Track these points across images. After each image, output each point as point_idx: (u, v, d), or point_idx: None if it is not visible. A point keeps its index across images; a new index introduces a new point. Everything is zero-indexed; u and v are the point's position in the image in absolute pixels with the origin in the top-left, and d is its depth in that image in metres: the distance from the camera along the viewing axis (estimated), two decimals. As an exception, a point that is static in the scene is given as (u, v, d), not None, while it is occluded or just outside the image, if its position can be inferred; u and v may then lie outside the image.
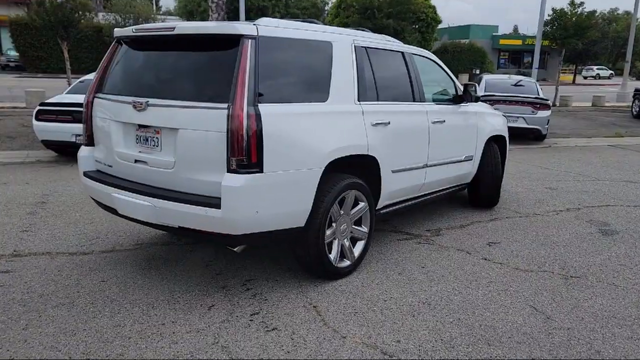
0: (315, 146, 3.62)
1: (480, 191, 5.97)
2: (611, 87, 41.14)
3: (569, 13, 18.80)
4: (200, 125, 3.33)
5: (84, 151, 4.20)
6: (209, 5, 14.44)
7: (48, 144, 8.76)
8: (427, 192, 5.13)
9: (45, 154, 9.20)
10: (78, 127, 8.33)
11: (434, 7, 31.98)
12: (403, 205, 4.80)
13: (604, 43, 43.51)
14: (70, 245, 4.70)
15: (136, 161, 3.73)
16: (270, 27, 3.53)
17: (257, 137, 3.25)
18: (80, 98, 9.05)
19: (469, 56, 42.27)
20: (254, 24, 3.44)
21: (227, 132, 3.22)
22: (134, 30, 3.78)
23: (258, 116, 3.24)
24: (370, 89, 4.21)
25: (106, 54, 4.12)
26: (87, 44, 33.26)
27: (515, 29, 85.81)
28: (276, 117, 3.37)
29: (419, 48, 5.11)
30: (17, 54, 34.19)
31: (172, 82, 3.60)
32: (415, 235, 5.15)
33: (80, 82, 9.95)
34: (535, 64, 18.25)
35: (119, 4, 34.83)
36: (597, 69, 57.35)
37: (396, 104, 4.52)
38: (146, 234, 5.01)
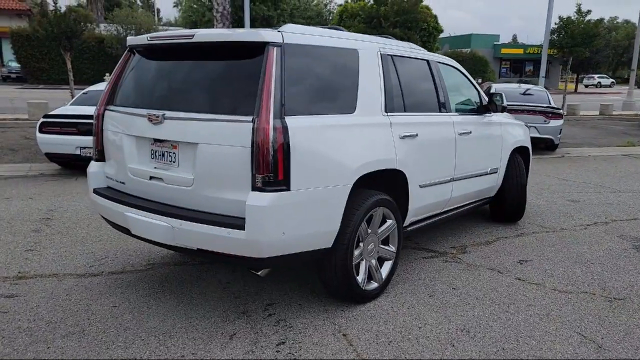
0: (344, 161, 3.38)
1: (505, 205, 5.72)
2: (613, 95, 41.04)
3: (576, 21, 18.65)
4: (222, 139, 3.09)
5: (93, 167, 3.96)
6: (214, 15, 14.30)
7: (52, 157, 8.52)
8: (452, 207, 4.88)
9: (49, 167, 8.96)
10: (82, 140, 8.13)
11: (435, 17, 31.96)
12: (429, 221, 4.55)
13: (606, 52, 43.44)
14: (78, 266, 4.44)
15: (151, 178, 3.49)
16: (296, 34, 3.30)
17: (284, 152, 3.00)
18: (84, 110, 8.89)
19: (471, 65, 42.16)
20: (279, 31, 3.21)
21: (252, 147, 2.98)
22: (148, 39, 3.55)
23: (285, 129, 3.01)
24: (397, 99, 3.98)
25: (118, 64, 3.89)
26: (88, 55, 33.17)
27: (514, 37, 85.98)
28: (303, 130, 3.13)
29: (443, 56, 4.89)
30: (19, 65, 34.08)
31: (191, 93, 3.36)
32: (440, 253, 4.89)
33: (84, 93, 9.75)
34: (542, 72, 18.09)
35: (120, 15, 34.83)
36: (598, 77, 57.36)
37: (424, 114, 4.29)
38: (157, 252, 4.75)
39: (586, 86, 55.07)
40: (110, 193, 3.78)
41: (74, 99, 9.82)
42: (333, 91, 3.50)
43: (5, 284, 4.04)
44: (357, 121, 3.55)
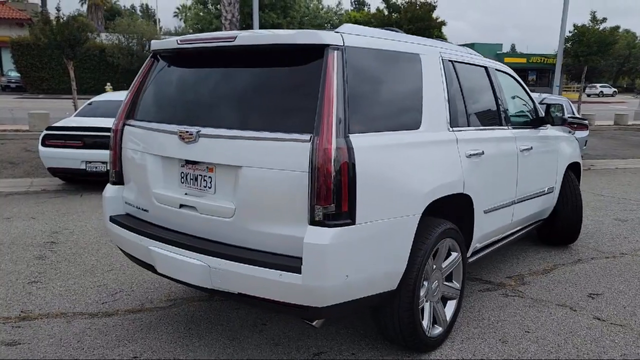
0: (413, 187, 2.85)
1: (558, 227, 5.17)
2: (617, 104, 40.69)
3: (591, 29, 18.22)
4: (272, 162, 2.56)
5: (110, 191, 3.42)
6: (222, 23, 13.82)
7: (55, 172, 7.98)
8: (510, 233, 4.33)
9: (51, 182, 8.42)
10: (88, 154, 7.61)
11: (442, 24, 31.65)
12: (488, 250, 4.00)
13: (609, 61, 43.18)
14: (90, 303, 3.88)
15: (181, 206, 2.94)
16: (357, 35, 2.78)
17: (349, 178, 2.47)
18: (90, 122, 8.36)
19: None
20: (337, 32, 2.68)
21: (310, 171, 2.44)
22: (178, 42, 3.02)
23: (350, 150, 2.47)
24: (460, 111, 3.45)
25: (140, 72, 3.36)
26: (89, 64, 32.74)
27: (513, 47, 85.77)
28: (369, 151, 2.59)
29: (498, 62, 4.37)
30: (18, 74, 33.63)
31: (232, 106, 2.83)
32: (496, 284, 4.34)
33: (88, 104, 9.24)
34: (557, 81, 17.63)
35: (122, 24, 34.43)
36: (601, 86, 57.08)
37: (487, 129, 3.76)
38: (178, 285, 4.18)
39: (588, 95, 54.75)
40: (131, 222, 3.23)
41: (78, 110, 9.30)
42: (397, 103, 2.97)
43: (7, 326, 3.48)
44: (424, 138, 3.01)
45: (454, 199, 3.21)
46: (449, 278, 3.36)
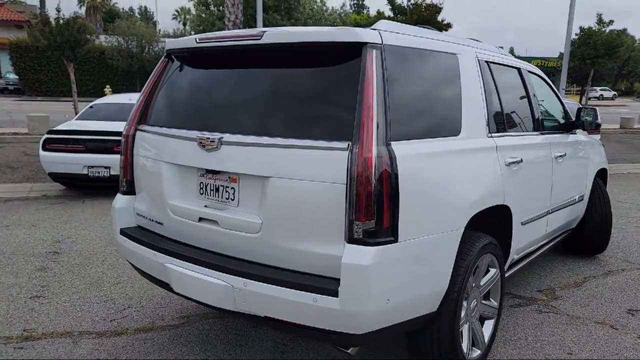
0: (456, 199, 2.61)
1: (587, 237, 4.93)
2: (618, 107, 40.54)
3: (598, 32, 18.02)
4: (305, 172, 2.31)
5: (120, 201, 3.16)
6: (225, 25, 13.60)
7: (56, 177, 7.72)
8: (542, 244, 4.09)
9: (52, 187, 8.16)
10: (90, 158, 7.37)
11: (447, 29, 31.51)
12: (520, 265, 3.75)
13: (610, 64, 43.10)
14: (96, 320, 3.62)
15: (201, 219, 2.69)
16: (394, 33, 2.53)
17: (392, 190, 2.22)
18: (92, 125, 8.09)
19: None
20: (374, 28, 2.44)
21: (349, 183, 2.20)
22: (197, 41, 2.77)
23: (392, 160, 2.23)
24: (498, 116, 3.21)
25: (153, 74, 3.11)
26: (89, 66, 32.51)
27: (511, 50, 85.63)
28: (412, 160, 2.35)
29: (528, 63, 4.13)
30: (17, 76, 33.35)
31: (258, 111, 2.58)
32: (527, 299, 4.09)
33: (90, 107, 8.99)
34: (562, 84, 17.43)
35: (121, 26, 34.21)
36: (600, 89, 57.00)
37: (524, 135, 3.52)
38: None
39: (588, 99, 54.65)
40: (144, 236, 2.98)
41: (79, 114, 9.05)
42: (437, 108, 2.72)
43: (8, 347, 3.22)
44: (465, 146, 2.77)
45: (494, 210, 2.97)
46: (486, 296, 3.11)
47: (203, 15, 30.02)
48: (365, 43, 2.31)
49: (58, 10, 13.22)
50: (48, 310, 3.77)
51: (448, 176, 2.57)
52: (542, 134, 3.81)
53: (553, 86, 4.44)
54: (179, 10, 73.24)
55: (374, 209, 2.18)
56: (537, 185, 3.60)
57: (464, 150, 2.75)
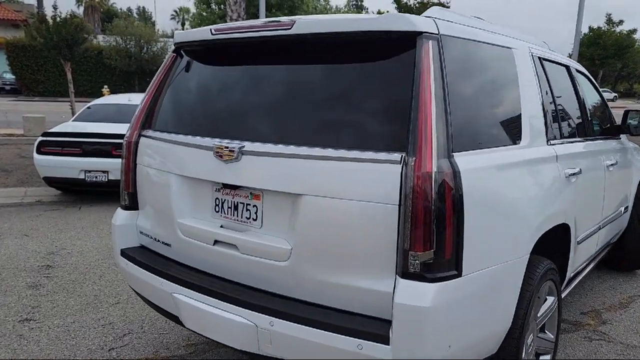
0: (522, 220, 2.21)
1: (629, 250, 4.53)
2: (619, 109, 40.23)
3: (607, 32, 17.65)
4: (346, 190, 1.90)
5: (121, 217, 2.75)
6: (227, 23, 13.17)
7: (52, 182, 7.29)
8: (588, 262, 3.69)
9: (46, 192, 7.74)
10: (88, 162, 6.95)
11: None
12: (569, 289, 3.34)
13: (620, 65, 42.81)
14: (93, 349, 3.21)
15: (216, 243, 2.28)
16: (449, 22, 2.12)
17: (456, 213, 1.81)
18: (89, 127, 7.67)
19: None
20: (428, 16, 2.03)
21: (402, 204, 1.79)
22: (213, 32, 2.35)
23: (456, 175, 1.82)
24: (554, 121, 2.81)
25: (159, 72, 2.70)
26: (86, 66, 32.01)
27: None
28: (477, 175, 1.95)
29: (573, 60, 3.73)
30: (13, 76, 32.86)
31: (287, 116, 2.17)
32: (573, 323, 3.68)
33: (87, 108, 8.57)
34: (571, 86, 16.98)
35: (119, 25, 33.74)
36: (602, 91, 56.79)
37: (579, 142, 3.12)
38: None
39: (591, 100, 54.34)
40: (148, 259, 2.57)
41: (76, 115, 8.62)
42: (497, 111, 2.32)
43: (-9, 385, 2.80)
44: (527, 156, 2.37)
45: (554, 230, 2.56)
46: (542, 328, 2.71)
47: (204, 13, 29.49)
48: (420, 33, 1.90)
49: (55, 7, 12.80)
50: (39, 336, 3.35)
51: (514, 193, 2.18)
52: (594, 140, 3.41)
53: (597, 86, 4.04)
54: (178, 10, 72.91)
55: (434, 236, 1.77)
56: (592, 199, 3.21)
57: (527, 161, 2.34)
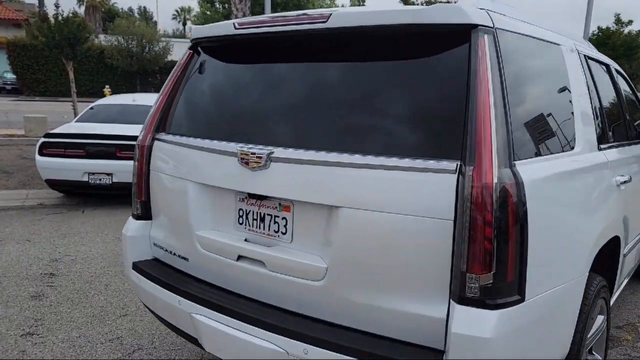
0: (583, 234, 2.01)
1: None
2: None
3: (616, 32, 17.42)
4: (391, 202, 1.69)
5: (133, 228, 2.53)
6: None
7: (54, 184, 7.07)
8: (629, 276, 3.47)
9: (49, 194, 7.53)
10: (91, 164, 6.73)
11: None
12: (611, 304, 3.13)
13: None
14: (101, 367, 2.99)
15: (240, 258, 2.07)
16: (502, 14, 1.90)
17: (520, 229, 1.60)
18: (92, 128, 7.45)
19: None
20: (481, 8, 1.81)
21: (458, 219, 1.58)
22: (237, 26, 2.14)
23: (520, 187, 1.60)
24: (603, 124, 2.60)
25: (174, 70, 2.49)
26: (87, 66, 31.82)
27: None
28: (540, 185, 1.74)
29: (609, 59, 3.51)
30: (14, 76, 32.67)
31: (322, 119, 1.95)
32: (610, 339, 3.45)
33: (90, 108, 8.36)
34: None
35: (121, 25, 33.56)
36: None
37: (625, 146, 2.91)
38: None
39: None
40: (163, 274, 2.35)
41: (79, 115, 8.42)
42: (552, 113, 2.10)
43: (-9, 409, 2.59)
44: (583, 163, 2.16)
45: (608, 243, 2.35)
46: (590, 350, 2.49)
47: (208, 12, 29.18)
48: (475, 26, 1.69)
49: (57, 5, 12.58)
50: (42, 352, 3.14)
51: (575, 205, 1.97)
52: (637, 143, 3.20)
53: (634, 87, 3.83)
54: (179, 10, 72.67)
55: (495, 256, 1.55)
56: (638, 207, 2.99)
57: (585, 169, 2.14)
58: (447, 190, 1.60)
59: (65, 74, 28.42)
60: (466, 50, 1.68)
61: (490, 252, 1.55)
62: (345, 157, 1.77)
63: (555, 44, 2.26)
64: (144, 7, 76.04)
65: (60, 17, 12.54)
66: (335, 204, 1.79)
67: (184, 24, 71.58)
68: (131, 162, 7.27)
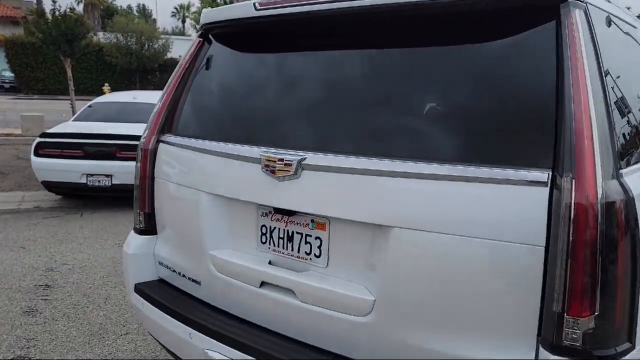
0: None
1: None
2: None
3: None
4: (459, 221, 1.35)
5: (135, 244, 2.19)
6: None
7: (51, 186, 6.73)
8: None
9: (46, 196, 7.19)
10: (90, 165, 6.40)
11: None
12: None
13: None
14: (100, 398, 2.66)
15: (264, 285, 1.73)
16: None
17: (628, 259, 1.25)
18: (91, 127, 7.09)
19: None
20: None
21: (551, 244, 1.23)
22: (258, 6, 1.79)
23: (629, 204, 1.26)
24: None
25: (182, 62, 2.14)
26: (86, 64, 31.42)
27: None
28: None
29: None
30: (12, 74, 32.29)
31: (364, 118, 1.60)
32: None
33: (88, 107, 8.02)
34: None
35: (119, 22, 33.17)
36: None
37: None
38: None
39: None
40: (170, 299, 2.01)
41: (77, 114, 8.07)
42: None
43: None
44: None
45: None
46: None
47: (209, 7, 28.78)
48: (567, 1, 1.34)
49: (54, 1, 12.21)
50: (34, 380, 2.81)
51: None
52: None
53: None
54: (178, 7, 72.16)
55: (603, 292, 1.21)
56: None
57: None
58: (536, 208, 1.25)
59: (63, 72, 28.00)
60: (553, 30, 1.34)
61: (595, 288, 1.21)
62: (397, 166, 1.43)
63: (632, 26, 1.91)
64: (143, 5, 75.32)
65: (57, 13, 12.17)
66: (385, 222, 1.44)
67: (183, 22, 71.14)
68: (132, 163, 6.85)
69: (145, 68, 31.72)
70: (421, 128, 1.49)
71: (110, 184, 6.44)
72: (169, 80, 2.16)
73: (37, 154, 6.52)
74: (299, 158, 1.58)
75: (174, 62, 33.73)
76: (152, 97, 8.57)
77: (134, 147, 6.72)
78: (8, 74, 33.31)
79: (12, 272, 4.38)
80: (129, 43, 31.78)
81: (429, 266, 1.40)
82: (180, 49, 34.25)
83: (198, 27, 2.16)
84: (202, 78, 2.08)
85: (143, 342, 3.24)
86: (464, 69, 1.48)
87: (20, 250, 4.99)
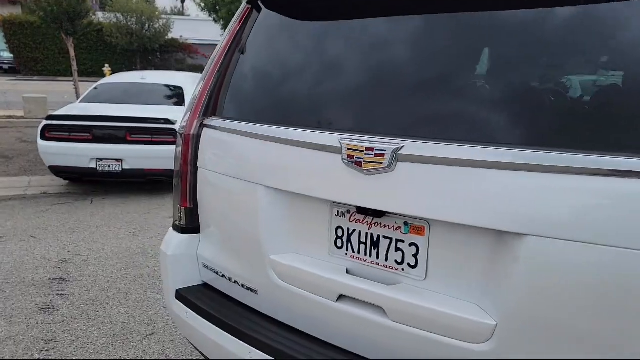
0: None
1: None
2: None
3: None
4: (612, 229, 1.05)
5: (175, 244, 1.90)
6: (241, -6, 12.14)
7: (58, 171, 6.43)
8: None
9: (53, 181, 6.92)
10: (99, 149, 6.10)
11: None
12: None
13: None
14: (131, 411, 2.40)
15: (342, 298, 1.44)
16: None
17: None
18: (99, 109, 6.79)
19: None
20: None
21: None
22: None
23: None
24: None
25: (226, 34, 1.83)
26: (86, 44, 30.94)
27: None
28: None
29: None
30: (11, 55, 31.76)
31: (486, 96, 1.30)
32: None
33: (94, 88, 7.67)
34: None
35: (119, 1, 32.50)
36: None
37: None
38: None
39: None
40: (221, 310, 1.73)
41: (83, 95, 7.73)
42: None
43: None
44: None
45: None
46: None
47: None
48: None
49: (54, -23, 11.73)
50: (56, 389, 2.55)
51: None
52: None
53: None
54: (178, -14, 70.86)
55: None
56: None
57: None
58: None
59: (63, 52, 27.58)
60: None
61: None
62: (532, 156, 1.13)
63: None
64: (142, -16, 74.13)
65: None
66: (514, 229, 1.15)
67: (183, 1, 69.98)
68: (142, 147, 6.46)
69: (146, 48, 31.14)
70: (571, 107, 1.18)
71: (120, 169, 6.15)
72: (212, 55, 1.85)
73: (44, 137, 6.20)
74: (395, 147, 1.28)
75: (175, 43, 33.16)
76: (162, 78, 8.23)
77: (145, 130, 6.31)
78: (7, 55, 32.77)
79: (23, 264, 4.12)
80: (129, 23, 31.16)
81: (572, 284, 1.11)
82: (181, 29, 33.59)
83: (245, -9, 1.83)
84: (253, 51, 1.77)
85: (171, 344, 2.98)
86: (598, 31, 1.16)
87: (31, 239, 4.72)
